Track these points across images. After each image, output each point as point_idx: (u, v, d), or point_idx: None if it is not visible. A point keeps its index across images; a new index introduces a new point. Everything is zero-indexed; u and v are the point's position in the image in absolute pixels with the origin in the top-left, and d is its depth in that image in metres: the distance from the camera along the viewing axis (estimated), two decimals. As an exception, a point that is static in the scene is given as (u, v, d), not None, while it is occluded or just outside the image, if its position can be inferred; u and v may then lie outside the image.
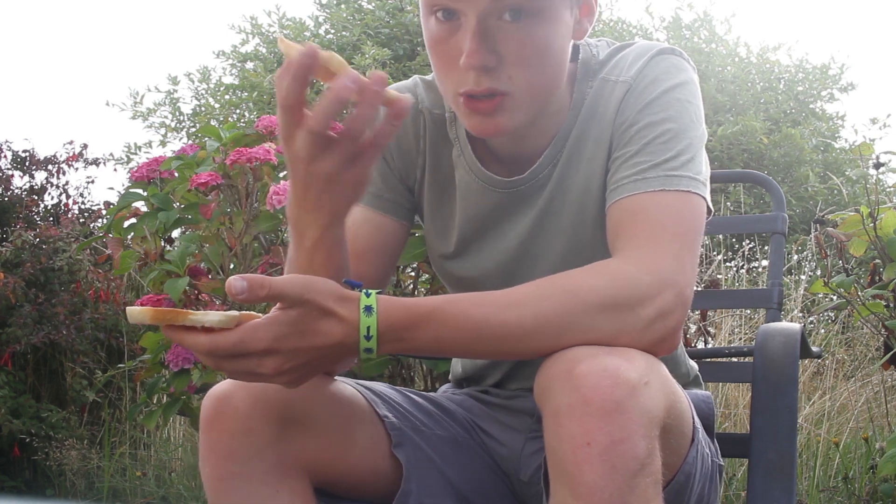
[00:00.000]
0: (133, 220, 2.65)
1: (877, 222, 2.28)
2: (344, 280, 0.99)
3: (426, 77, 1.25)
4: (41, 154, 5.25)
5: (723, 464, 1.24)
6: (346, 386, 1.15)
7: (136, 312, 0.92)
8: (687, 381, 1.30)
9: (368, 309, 0.92)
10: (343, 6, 6.64)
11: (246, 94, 6.37)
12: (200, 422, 1.06)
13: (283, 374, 0.92)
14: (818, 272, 3.98)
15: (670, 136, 1.05)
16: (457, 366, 1.38)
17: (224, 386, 1.05)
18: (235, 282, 0.89)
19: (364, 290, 0.93)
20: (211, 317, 0.91)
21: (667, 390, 0.93)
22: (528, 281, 1.05)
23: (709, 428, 1.19)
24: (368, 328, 0.91)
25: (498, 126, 1.06)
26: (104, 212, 4.90)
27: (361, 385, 1.18)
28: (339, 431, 1.10)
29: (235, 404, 1.03)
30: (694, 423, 1.06)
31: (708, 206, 1.07)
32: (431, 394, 1.29)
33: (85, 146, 5.32)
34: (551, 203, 1.16)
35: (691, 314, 3.23)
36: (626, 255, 0.99)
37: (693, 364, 1.34)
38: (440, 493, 1.16)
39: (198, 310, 0.93)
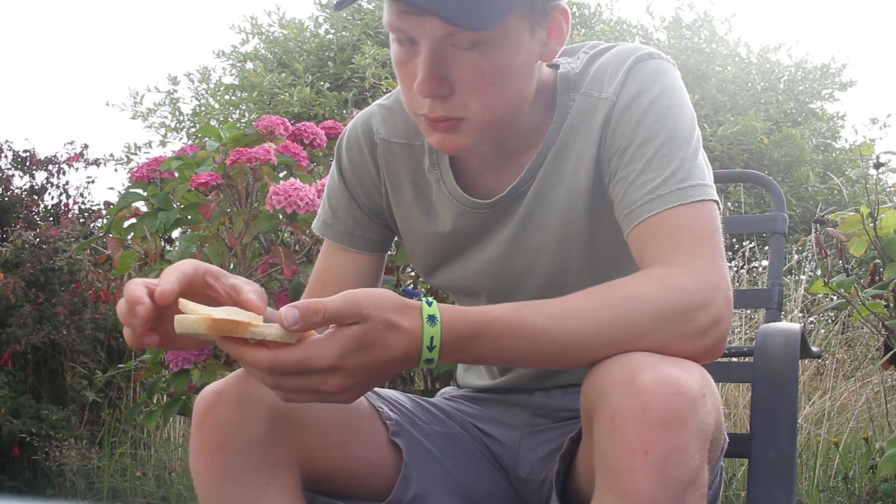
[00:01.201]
0: (133, 220, 2.65)
1: (877, 222, 2.28)
2: (403, 290, 0.98)
3: (384, 102, 1.26)
4: (41, 154, 5.25)
5: (723, 464, 1.24)
6: None
7: (188, 322, 0.85)
8: None
9: (432, 319, 0.90)
10: (343, 6, 6.63)
11: (246, 94, 6.37)
12: (193, 420, 1.06)
13: (345, 391, 0.89)
14: (818, 272, 3.98)
15: (670, 147, 1.05)
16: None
17: (214, 384, 1.06)
18: (288, 312, 0.86)
19: (425, 299, 0.92)
20: (273, 330, 0.87)
21: (717, 403, 0.94)
22: (517, 287, 1.08)
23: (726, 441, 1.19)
24: (432, 338, 0.90)
25: (457, 144, 1.07)
26: (104, 212, 4.90)
27: None
28: (334, 426, 1.11)
29: (226, 399, 1.04)
30: (724, 434, 1.06)
31: (718, 205, 1.07)
32: (427, 398, 1.29)
33: (85, 146, 5.33)
34: (531, 216, 1.16)
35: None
36: (670, 263, 0.99)
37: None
38: (440, 484, 1.16)
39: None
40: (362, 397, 1.15)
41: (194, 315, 0.86)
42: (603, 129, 1.10)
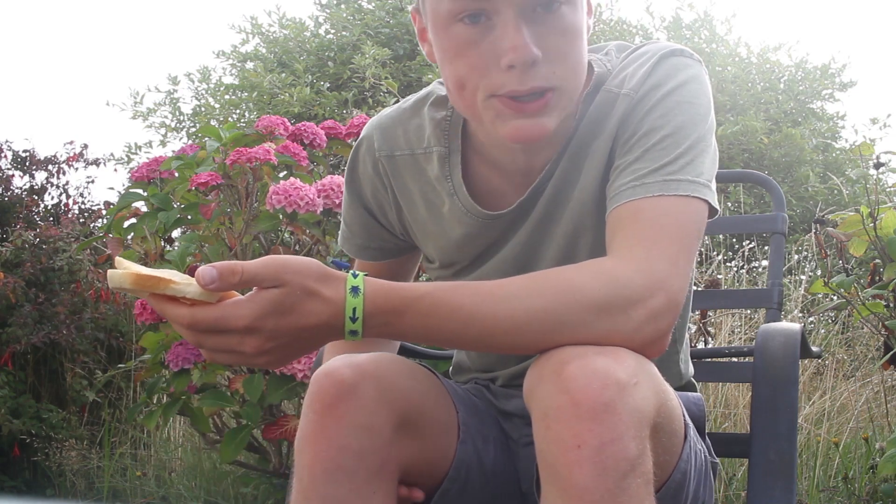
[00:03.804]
0: (133, 220, 2.65)
1: (877, 222, 2.28)
2: (332, 261, 0.98)
3: (386, 113, 1.24)
4: (41, 154, 5.25)
5: (716, 461, 1.24)
6: (438, 380, 1.14)
7: (117, 276, 0.88)
8: (679, 386, 1.30)
9: (355, 290, 0.90)
10: (343, 6, 6.65)
11: (246, 94, 6.37)
12: (314, 404, 1.00)
13: (263, 353, 0.90)
14: (818, 272, 3.98)
15: (669, 140, 1.04)
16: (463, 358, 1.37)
17: (347, 370, 1.01)
18: (205, 271, 0.87)
19: (351, 272, 0.92)
20: (193, 288, 0.88)
21: (657, 389, 0.93)
22: None
23: (700, 430, 1.19)
24: (354, 309, 0.90)
25: (543, 129, 1.02)
26: (104, 212, 4.90)
27: (442, 377, 1.17)
28: (436, 435, 1.09)
29: (360, 396, 1.00)
30: (685, 420, 1.06)
31: (712, 206, 1.05)
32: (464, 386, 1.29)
33: (85, 146, 5.33)
34: (547, 214, 1.15)
35: (691, 314, 3.22)
36: (622, 255, 0.98)
37: (690, 370, 1.34)
38: (475, 492, 1.16)
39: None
40: (450, 399, 1.14)
41: (124, 270, 0.88)
42: (619, 125, 1.09)
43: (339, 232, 1.33)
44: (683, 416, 1.05)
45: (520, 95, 1.01)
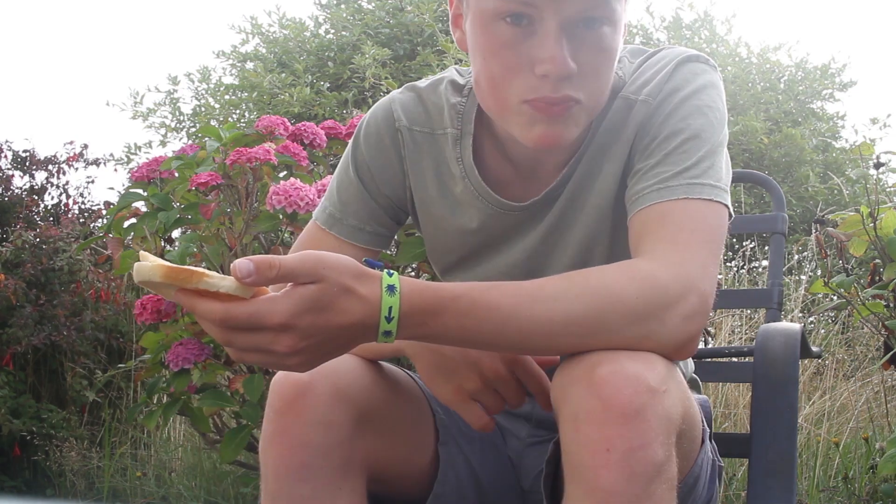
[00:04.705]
0: (133, 220, 2.65)
1: (877, 222, 2.28)
2: (364, 259, 0.95)
3: (404, 90, 1.23)
4: (41, 154, 5.25)
5: (722, 464, 1.24)
6: (410, 380, 1.14)
7: (146, 269, 0.84)
8: None
9: (391, 288, 0.88)
10: (343, 6, 6.64)
11: (246, 94, 6.37)
12: (274, 404, 1.01)
13: (297, 353, 0.87)
14: (818, 272, 3.98)
15: (690, 144, 1.04)
16: None
17: (303, 374, 1.01)
18: (242, 264, 0.84)
19: (386, 270, 0.90)
20: (228, 282, 0.85)
21: (683, 396, 0.93)
22: None
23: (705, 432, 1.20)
24: (391, 309, 0.88)
25: (563, 135, 1.04)
26: (104, 212, 4.90)
27: (417, 376, 1.17)
28: (405, 432, 1.10)
29: (317, 393, 1.00)
30: (703, 426, 1.06)
31: (729, 211, 1.06)
32: None
33: (85, 146, 5.33)
34: (562, 218, 1.15)
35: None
36: (655, 258, 0.97)
37: (691, 366, 1.34)
38: (466, 491, 1.16)
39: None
40: (424, 399, 1.14)
41: (153, 263, 0.85)
42: (637, 131, 1.09)
43: (325, 213, 1.24)
44: (702, 421, 1.05)
45: (550, 101, 1.01)
